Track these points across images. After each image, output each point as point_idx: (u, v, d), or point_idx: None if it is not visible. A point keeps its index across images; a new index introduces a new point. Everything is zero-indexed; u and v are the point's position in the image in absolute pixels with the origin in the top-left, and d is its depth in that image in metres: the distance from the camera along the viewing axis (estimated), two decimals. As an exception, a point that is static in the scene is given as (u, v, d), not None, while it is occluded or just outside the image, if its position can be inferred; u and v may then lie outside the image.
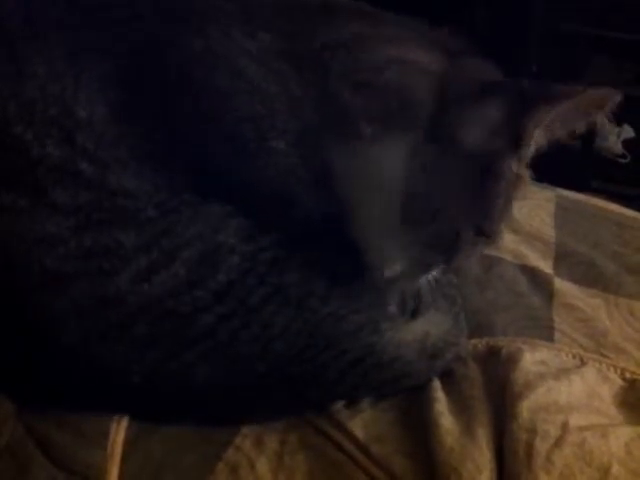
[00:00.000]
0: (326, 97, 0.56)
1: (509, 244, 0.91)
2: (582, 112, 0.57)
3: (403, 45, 0.59)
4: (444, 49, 0.59)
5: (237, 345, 0.57)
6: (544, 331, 0.76)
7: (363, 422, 0.63)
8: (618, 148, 2.15)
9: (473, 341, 0.72)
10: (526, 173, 0.61)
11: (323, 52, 0.57)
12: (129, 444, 0.58)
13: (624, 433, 0.61)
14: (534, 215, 1.00)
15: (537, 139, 0.57)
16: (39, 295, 0.54)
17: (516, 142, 0.57)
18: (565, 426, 0.60)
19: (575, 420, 0.61)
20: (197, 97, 0.56)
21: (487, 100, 0.56)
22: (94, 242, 0.54)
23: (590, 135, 2.00)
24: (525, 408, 0.61)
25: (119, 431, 0.58)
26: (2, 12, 0.57)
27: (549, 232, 0.97)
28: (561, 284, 0.85)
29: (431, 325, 0.67)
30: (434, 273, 0.66)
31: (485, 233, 0.61)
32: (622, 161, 2.15)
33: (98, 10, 0.57)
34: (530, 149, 0.58)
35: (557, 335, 0.76)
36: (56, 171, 0.53)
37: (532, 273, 0.86)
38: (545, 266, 0.88)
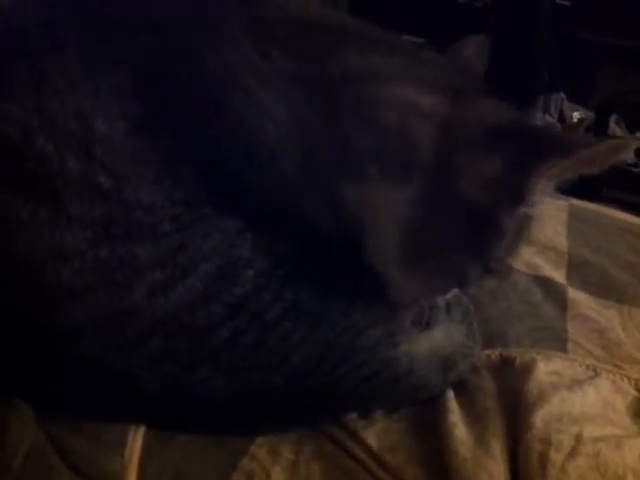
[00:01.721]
0: (333, 128, 0.56)
1: (522, 254, 0.91)
2: (593, 162, 0.55)
3: (408, 85, 0.58)
4: (450, 89, 0.58)
5: (253, 359, 0.57)
6: (558, 342, 0.76)
7: (377, 432, 0.63)
8: (630, 157, 2.15)
9: (487, 351, 0.72)
10: (534, 212, 0.60)
11: (333, 82, 0.57)
12: (146, 452, 0.58)
13: (639, 444, 0.61)
14: (547, 225, 1.00)
15: (542, 188, 0.56)
16: (54, 307, 0.54)
17: (517, 196, 0.56)
18: (579, 437, 0.60)
19: (589, 431, 0.61)
20: (212, 113, 0.56)
21: (489, 152, 0.55)
22: (110, 255, 0.54)
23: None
24: (539, 419, 0.61)
25: (136, 438, 0.59)
26: (23, 26, 0.57)
27: (562, 242, 0.97)
28: (575, 294, 0.85)
29: (445, 336, 0.67)
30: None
31: (491, 271, 0.62)
32: (634, 170, 2.14)
33: (115, 23, 0.57)
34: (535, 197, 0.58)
35: (571, 346, 0.76)
36: (74, 184, 0.53)
37: (546, 283, 0.86)
38: (558, 276, 0.88)
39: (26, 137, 0.53)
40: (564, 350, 0.75)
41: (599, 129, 2.03)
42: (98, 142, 0.54)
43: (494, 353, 0.72)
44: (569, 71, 2.23)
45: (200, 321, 0.56)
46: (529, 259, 0.91)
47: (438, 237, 0.58)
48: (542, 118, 2.19)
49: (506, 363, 0.70)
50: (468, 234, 0.58)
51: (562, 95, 2.28)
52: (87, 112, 0.54)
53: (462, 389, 0.67)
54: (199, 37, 0.57)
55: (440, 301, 0.68)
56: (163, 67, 0.56)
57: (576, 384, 0.68)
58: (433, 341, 0.66)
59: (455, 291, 0.71)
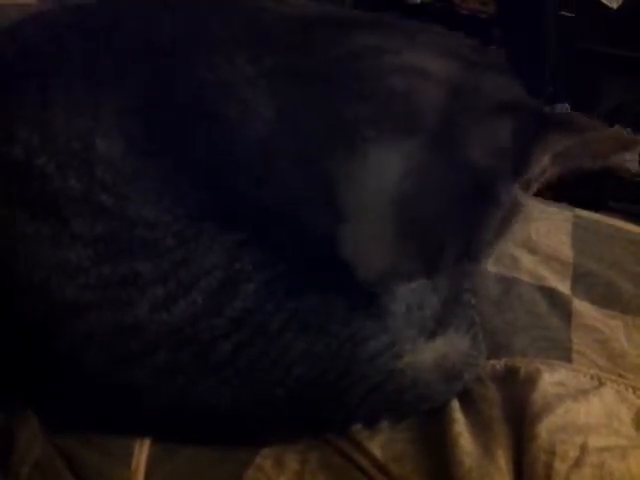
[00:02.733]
0: (331, 111, 0.56)
1: (527, 265, 0.91)
2: (598, 151, 0.55)
3: (414, 52, 0.58)
4: (463, 59, 0.58)
5: (257, 370, 0.58)
6: (562, 352, 0.76)
7: (381, 442, 0.63)
8: (635, 167, 2.14)
9: (492, 361, 0.72)
10: (527, 202, 0.58)
11: (329, 67, 0.57)
12: (152, 463, 0.58)
13: (644, 455, 0.61)
14: (552, 235, 1.00)
15: (544, 168, 0.56)
16: (58, 322, 0.55)
17: (519, 166, 0.54)
18: (584, 447, 0.60)
19: (594, 441, 0.61)
20: (210, 128, 0.57)
21: (496, 118, 0.55)
22: (112, 272, 0.54)
23: (607, 154, 1.99)
24: (544, 429, 0.62)
25: (143, 449, 0.59)
26: (34, 45, 0.58)
27: (567, 252, 0.97)
28: (579, 305, 0.86)
29: (449, 346, 0.67)
30: (414, 285, 0.64)
31: (470, 253, 0.58)
32: (639, 180, 2.14)
33: (119, 43, 0.58)
34: (535, 177, 0.56)
35: (575, 356, 0.76)
36: (76, 202, 0.54)
37: (550, 294, 0.87)
38: (563, 287, 0.89)
39: (29, 156, 0.54)
40: (569, 360, 0.75)
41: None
42: (98, 161, 0.54)
43: (499, 363, 0.72)
44: (574, 82, 2.23)
45: (203, 334, 0.56)
46: (534, 269, 0.91)
47: (427, 207, 0.56)
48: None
49: (511, 373, 0.70)
50: (460, 204, 0.55)
51: (567, 105, 2.29)
52: (88, 130, 0.54)
53: (467, 399, 0.67)
54: (196, 55, 0.58)
55: (443, 312, 0.68)
56: (163, 86, 0.57)
57: (581, 394, 0.68)
58: (437, 352, 0.66)
59: (458, 299, 0.71)
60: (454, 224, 0.56)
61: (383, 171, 0.55)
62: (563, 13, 2.26)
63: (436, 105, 0.55)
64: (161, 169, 0.56)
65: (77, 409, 0.59)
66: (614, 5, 2.18)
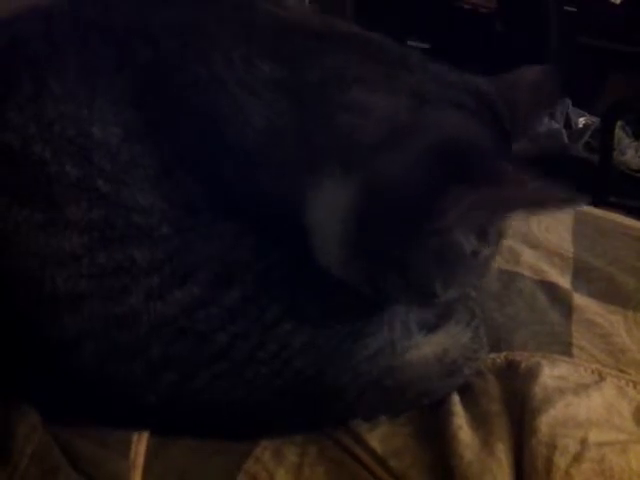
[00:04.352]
0: (310, 137, 0.56)
1: (528, 259, 0.91)
2: (521, 204, 0.54)
3: (371, 87, 0.57)
4: (418, 97, 0.57)
5: (254, 364, 0.57)
6: (563, 346, 0.76)
7: (381, 436, 0.63)
8: (636, 163, 2.15)
9: (492, 355, 0.72)
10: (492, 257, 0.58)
11: (311, 90, 0.57)
12: (151, 454, 0.58)
13: (644, 450, 0.61)
14: (552, 230, 1.00)
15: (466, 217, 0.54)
16: (51, 315, 0.54)
17: (431, 214, 0.53)
18: (584, 441, 0.60)
19: (594, 436, 0.61)
20: (204, 120, 0.57)
21: (423, 166, 0.54)
22: (107, 259, 0.54)
23: (608, 149, 1.99)
24: (544, 423, 0.61)
25: (141, 441, 0.59)
26: (25, 35, 0.58)
27: (568, 247, 0.97)
28: (580, 300, 0.85)
29: (450, 340, 0.67)
30: None
31: (413, 284, 0.58)
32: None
33: (114, 33, 0.58)
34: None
35: (576, 350, 0.76)
36: (72, 188, 0.53)
37: (551, 289, 0.86)
38: (564, 282, 0.88)
39: (25, 144, 0.53)
40: (569, 355, 0.75)
41: (605, 135, 2.03)
42: (96, 148, 0.54)
43: (499, 357, 0.72)
44: (575, 77, 2.23)
45: (199, 325, 0.56)
46: (534, 264, 0.91)
47: (366, 237, 0.56)
48: (547, 123, 2.19)
49: (511, 367, 0.70)
50: (389, 239, 0.56)
51: (568, 101, 2.28)
52: (84, 118, 0.54)
53: (467, 393, 0.67)
54: (191, 48, 0.58)
55: (444, 306, 0.67)
56: (159, 76, 0.57)
57: (581, 389, 0.68)
58: (438, 346, 0.65)
59: (461, 294, 0.70)
60: (388, 258, 0.57)
61: (335, 202, 0.56)
62: (565, 8, 2.26)
63: (371, 146, 0.55)
64: (158, 157, 0.55)
65: (74, 402, 0.58)
66: (617, 0, 2.17)
